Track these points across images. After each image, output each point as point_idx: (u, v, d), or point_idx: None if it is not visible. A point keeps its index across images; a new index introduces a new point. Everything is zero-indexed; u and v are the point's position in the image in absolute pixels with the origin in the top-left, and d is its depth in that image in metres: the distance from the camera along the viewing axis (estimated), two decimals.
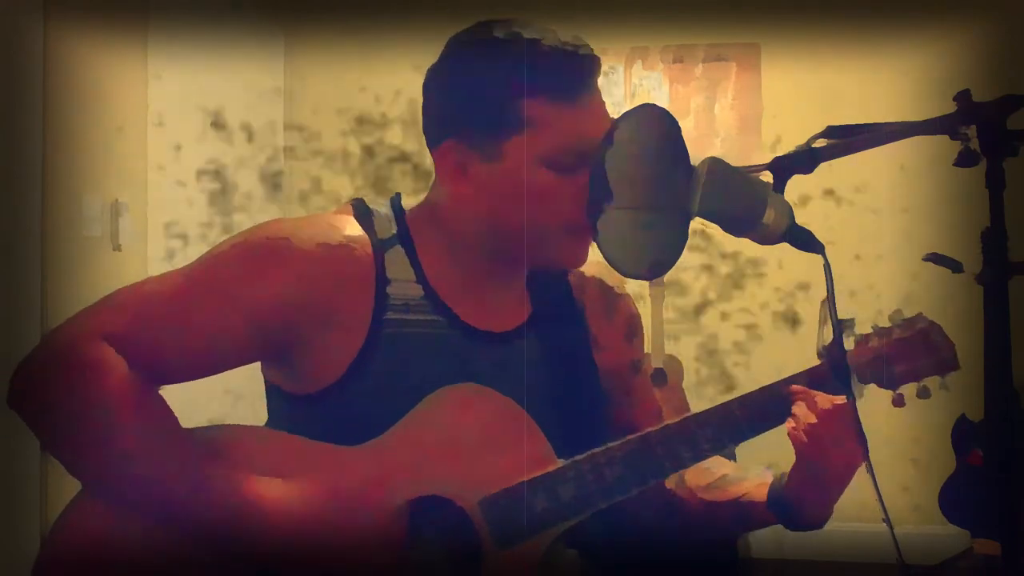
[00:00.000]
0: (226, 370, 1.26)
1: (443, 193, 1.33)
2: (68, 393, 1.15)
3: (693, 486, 1.40)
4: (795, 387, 1.30)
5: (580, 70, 1.27)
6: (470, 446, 1.25)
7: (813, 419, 1.25)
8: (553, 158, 1.25)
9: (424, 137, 1.34)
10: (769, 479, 1.35)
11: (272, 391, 1.37)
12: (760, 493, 1.34)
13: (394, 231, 1.33)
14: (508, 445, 1.26)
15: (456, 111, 1.30)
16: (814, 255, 1.21)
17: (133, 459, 1.15)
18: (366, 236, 1.30)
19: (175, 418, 1.21)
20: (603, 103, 1.29)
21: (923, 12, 3.83)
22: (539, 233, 1.28)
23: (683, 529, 1.43)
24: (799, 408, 1.27)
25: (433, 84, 1.33)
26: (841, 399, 1.25)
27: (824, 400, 1.26)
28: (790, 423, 1.28)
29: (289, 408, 1.32)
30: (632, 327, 1.49)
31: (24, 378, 1.18)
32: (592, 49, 1.28)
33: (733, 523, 1.40)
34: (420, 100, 1.36)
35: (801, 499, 1.30)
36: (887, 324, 1.35)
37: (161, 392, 1.23)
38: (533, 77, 1.25)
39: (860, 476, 1.27)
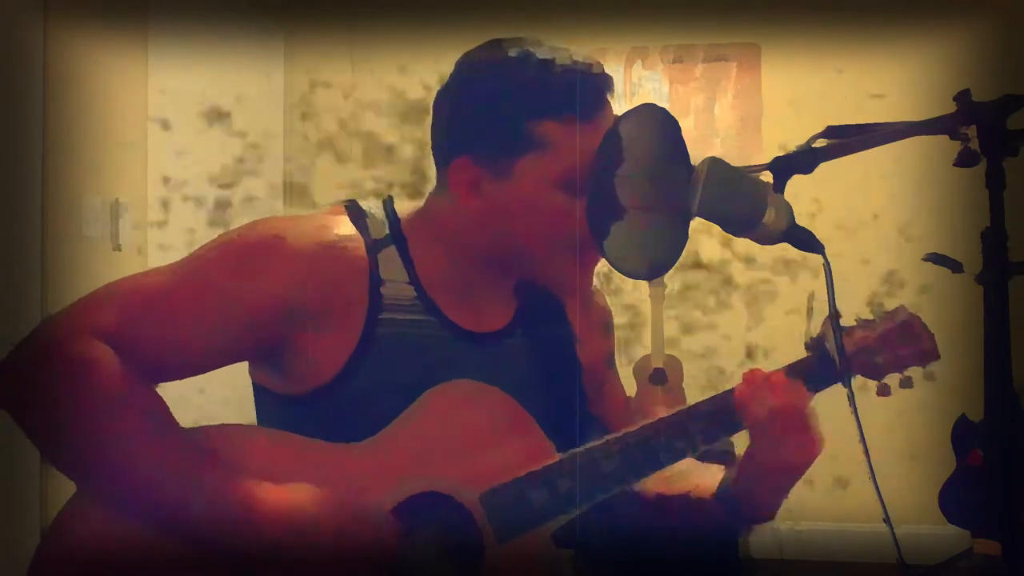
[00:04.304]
0: (217, 368, 1.25)
1: (450, 205, 1.33)
2: (59, 390, 1.14)
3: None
4: (753, 377, 1.31)
5: (593, 90, 1.27)
6: (469, 441, 1.25)
7: (766, 410, 1.27)
8: (567, 180, 1.25)
9: (432, 152, 1.35)
10: (721, 473, 1.37)
11: (260, 392, 1.36)
12: (709, 486, 1.36)
13: (387, 232, 1.33)
14: (506, 439, 1.26)
15: (469, 130, 1.30)
16: (814, 255, 1.22)
17: (124, 459, 1.14)
18: (360, 236, 1.30)
19: (171, 416, 1.20)
20: (614, 119, 1.28)
21: (923, 12, 3.83)
22: (547, 251, 1.30)
23: (630, 518, 1.43)
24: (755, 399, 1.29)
25: (445, 102, 1.33)
26: (797, 393, 1.28)
27: (778, 394, 1.28)
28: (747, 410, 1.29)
29: (279, 409, 1.32)
30: (607, 321, 1.53)
31: (12, 373, 1.16)
32: (603, 68, 1.28)
33: (681, 516, 1.41)
34: (418, 100, 1.37)
35: (750, 491, 1.32)
36: (870, 317, 1.37)
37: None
38: (545, 98, 1.25)
39: (861, 476, 1.27)
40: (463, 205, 1.31)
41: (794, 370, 1.32)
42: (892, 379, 1.35)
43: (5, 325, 2.62)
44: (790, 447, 1.28)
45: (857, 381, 1.33)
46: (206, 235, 3.46)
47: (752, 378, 1.30)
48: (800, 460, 1.29)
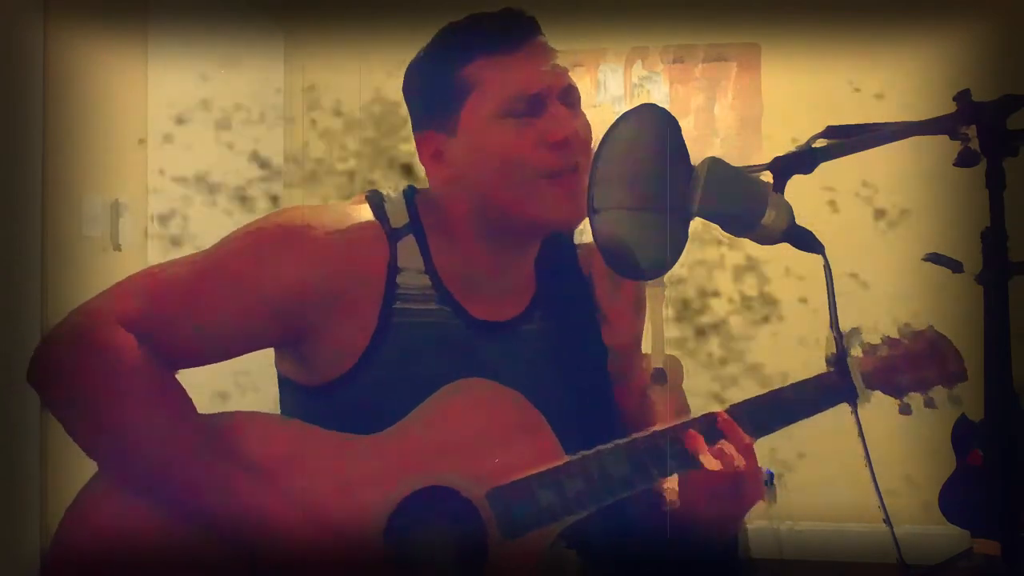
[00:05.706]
0: (238, 355, 1.29)
1: (432, 184, 1.37)
2: (84, 375, 1.19)
3: None
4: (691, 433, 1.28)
5: (514, 26, 1.32)
6: (479, 439, 1.26)
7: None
8: (505, 106, 1.29)
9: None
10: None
11: (284, 384, 1.39)
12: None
13: (406, 220, 1.35)
14: (516, 439, 1.27)
15: (420, 102, 1.37)
16: (814, 255, 1.22)
17: (143, 442, 1.17)
18: (379, 225, 1.33)
19: (191, 403, 1.23)
20: (551, 56, 1.33)
21: (923, 12, 3.83)
22: (519, 188, 1.29)
23: (633, 517, 1.39)
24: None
25: (405, 87, 1.40)
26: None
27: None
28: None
29: (301, 400, 1.35)
30: (639, 298, 1.49)
31: (44, 356, 1.22)
32: (528, 13, 1.33)
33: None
34: None
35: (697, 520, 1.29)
36: (896, 335, 1.36)
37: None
38: (471, 43, 1.31)
39: (861, 476, 1.27)
40: (435, 179, 1.36)
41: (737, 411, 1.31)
42: (915, 399, 1.34)
43: (5, 324, 2.62)
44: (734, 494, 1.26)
45: (878, 393, 1.32)
46: (206, 235, 3.47)
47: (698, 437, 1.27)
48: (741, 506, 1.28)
